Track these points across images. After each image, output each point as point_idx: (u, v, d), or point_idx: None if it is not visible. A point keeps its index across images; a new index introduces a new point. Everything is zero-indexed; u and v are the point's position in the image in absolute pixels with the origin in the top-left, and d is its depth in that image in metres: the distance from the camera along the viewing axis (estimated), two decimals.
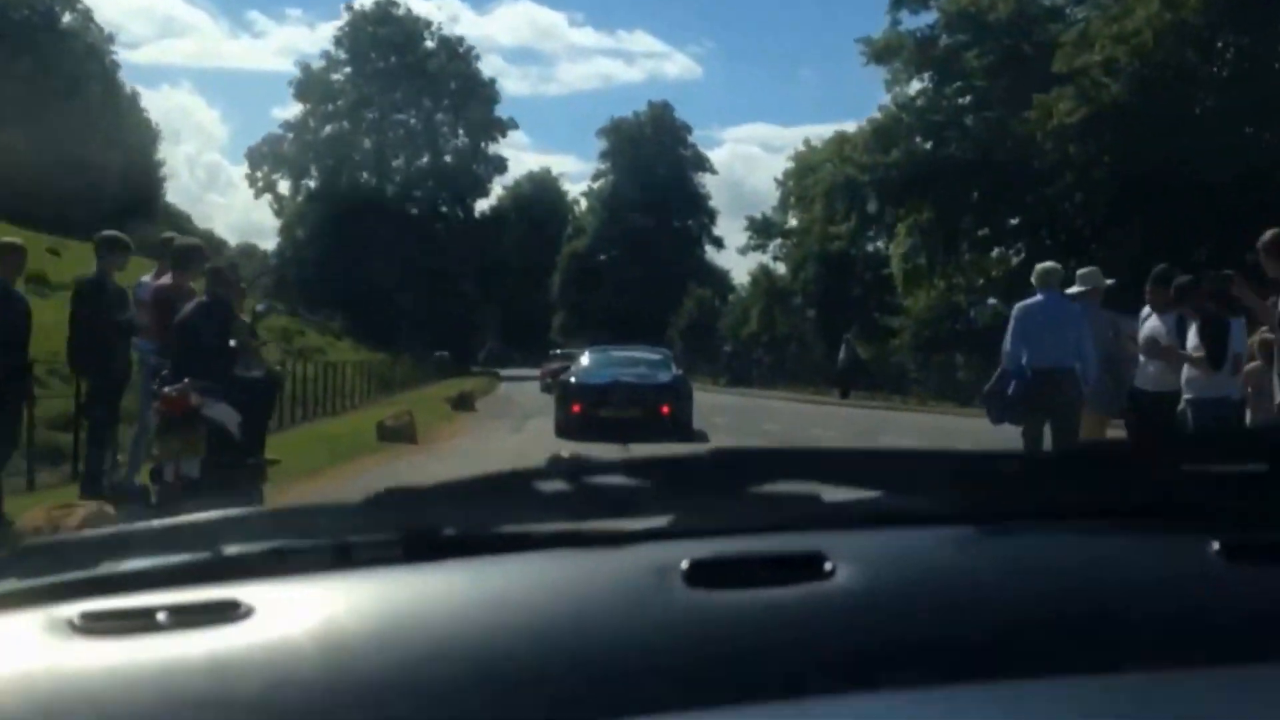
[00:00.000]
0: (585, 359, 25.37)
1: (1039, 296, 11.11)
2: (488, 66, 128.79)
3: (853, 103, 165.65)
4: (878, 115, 42.78)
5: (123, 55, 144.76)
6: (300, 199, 79.01)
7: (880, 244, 68.99)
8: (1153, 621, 1.00)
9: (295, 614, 0.95)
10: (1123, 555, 1.11)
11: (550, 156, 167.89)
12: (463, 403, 33.62)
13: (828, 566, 1.03)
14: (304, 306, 68.49)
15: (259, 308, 11.11)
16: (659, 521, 1.14)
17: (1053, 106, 35.74)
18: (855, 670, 0.90)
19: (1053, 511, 1.23)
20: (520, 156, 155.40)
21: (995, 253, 44.23)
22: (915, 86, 42.80)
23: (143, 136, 76.11)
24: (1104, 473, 1.34)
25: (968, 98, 41.73)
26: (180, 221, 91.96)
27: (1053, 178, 38.46)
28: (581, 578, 1.05)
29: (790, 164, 72.84)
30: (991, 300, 48.77)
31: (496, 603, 1.00)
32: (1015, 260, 43.70)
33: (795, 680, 0.87)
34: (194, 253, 9.97)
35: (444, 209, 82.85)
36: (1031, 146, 38.43)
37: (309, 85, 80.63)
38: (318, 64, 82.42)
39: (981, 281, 43.93)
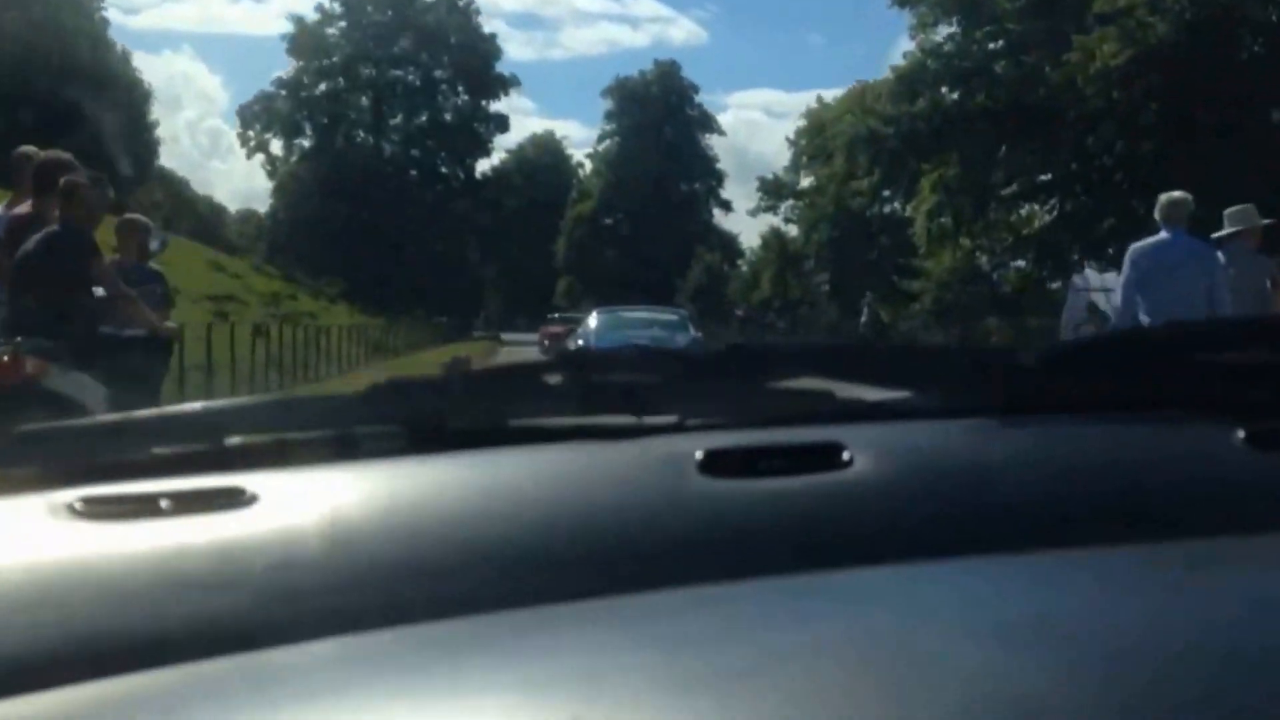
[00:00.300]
0: (593, 320, 22.65)
1: (1163, 235, 8.65)
2: (491, 30, 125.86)
3: (861, 68, 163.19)
4: (902, 63, 39.86)
5: (122, 20, 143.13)
6: (294, 159, 75.92)
7: (897, 204, 66.95)
8: (1174, 499, 1.00)
9: (301, 502, 0.94)
10: (1144, 443, 1.11)
11: (554, 122, 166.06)
12: (455, 368, 31.09)
13: (846, 456, 1.02)
14: (300, 270, 66.18)
15: (153, 244, 8.47)
16: (672, 415, 1.13)
17: (1095, 48, 33.05)
18: (872, 546, 0.91)
19: (1074, 404, 1.20)
20: (524, 122, 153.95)
21: (1025, 210, 41.50)
22: (943, 32, 39.85)
23: (134, 96, 74.08)
24: (1126, 365, 1.29)
25: (999, 42, 38.79)
26: (176, 186, 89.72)
27: (1092, 126, 35.82)
28: (593, 468, 1.03)
29: (802, 122, 70.38)
30: (1019, 262, 46.24)
31: (505, 492, 0.98)
32: (1048, 218, 41.12)
33: (811, 556, 0.88)
34: (58, 169, 7.29)
35: (444, 169, 79.64)
36: (1068, 94, 35.80)
37: (302, 41, 76.77)
38: (312, 18, 78.56)
39: (1011, 240, 41.25)
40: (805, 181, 70.61)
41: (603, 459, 1.03)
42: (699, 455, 1.00)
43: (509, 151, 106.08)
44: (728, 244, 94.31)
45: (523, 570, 0.86)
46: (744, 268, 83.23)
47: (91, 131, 61.30)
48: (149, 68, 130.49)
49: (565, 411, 1.15)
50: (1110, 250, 37.31)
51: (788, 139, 72.29)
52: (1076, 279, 33.88)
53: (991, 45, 38.86)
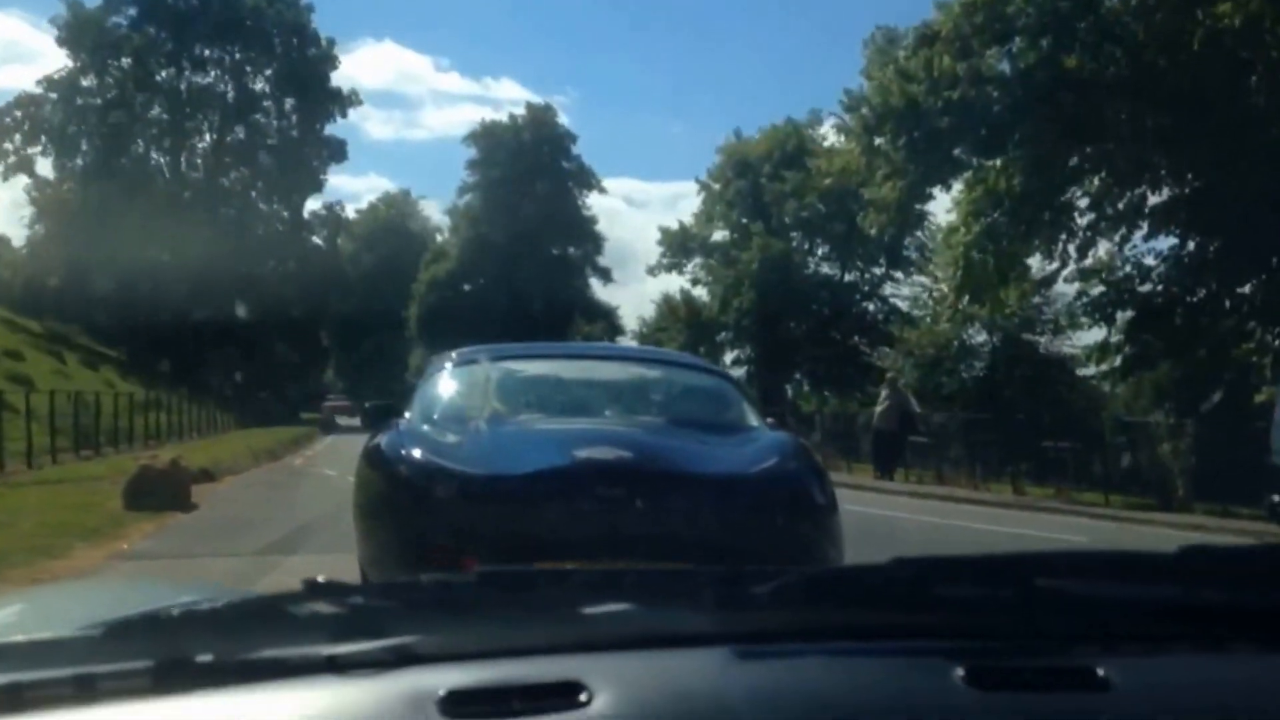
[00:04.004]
0: (449, 378, 8.07)
1: None
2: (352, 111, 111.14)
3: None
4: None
5: None
6: (66, 184, 58.19)
7: (835, 265, 53.67)
8: None
9: None
10: (872, 681, 1.14)
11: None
12: (144, 494, 15.42)
13: (583, 696, 1.06)
14: (69, 322, 50.13)
15: None
16: (417, 645, 1.13)
17: None
18: None
19: (807, 633, 1.23)
20: None
21: (1111, 246, 27.25)
22: None
23: None
24: (864, 593, 1.33)
25: None
26: None
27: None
28: (337, 707, 1.05)
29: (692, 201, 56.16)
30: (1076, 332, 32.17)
31: None
32: (1135, 256, 27.08)
33: None
34: None
35: (263, 205, 62.97)
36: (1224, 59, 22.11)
37: (79, 30, 58.51)
38: (92, 2, 59.72)
39: (1101, 289, 26.95)
40: (718, 235, 56.47)
41: (347, 697, 1.04)
42: (440, 694, 1.04)
43: (359, 212, 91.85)
44: (607, 317, 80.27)
45: None
46: (633, 342, 68.92)
47: None
48: None
49: (312, 642, 1.12)
50: None
51: (697, 180, 57.97)
52: None
53: None
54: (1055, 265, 27.98)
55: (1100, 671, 1.11)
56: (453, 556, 6.10)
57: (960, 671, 1.11)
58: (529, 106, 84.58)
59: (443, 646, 1.13)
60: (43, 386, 29.50)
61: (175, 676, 1.05)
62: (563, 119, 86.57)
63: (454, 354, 8.38)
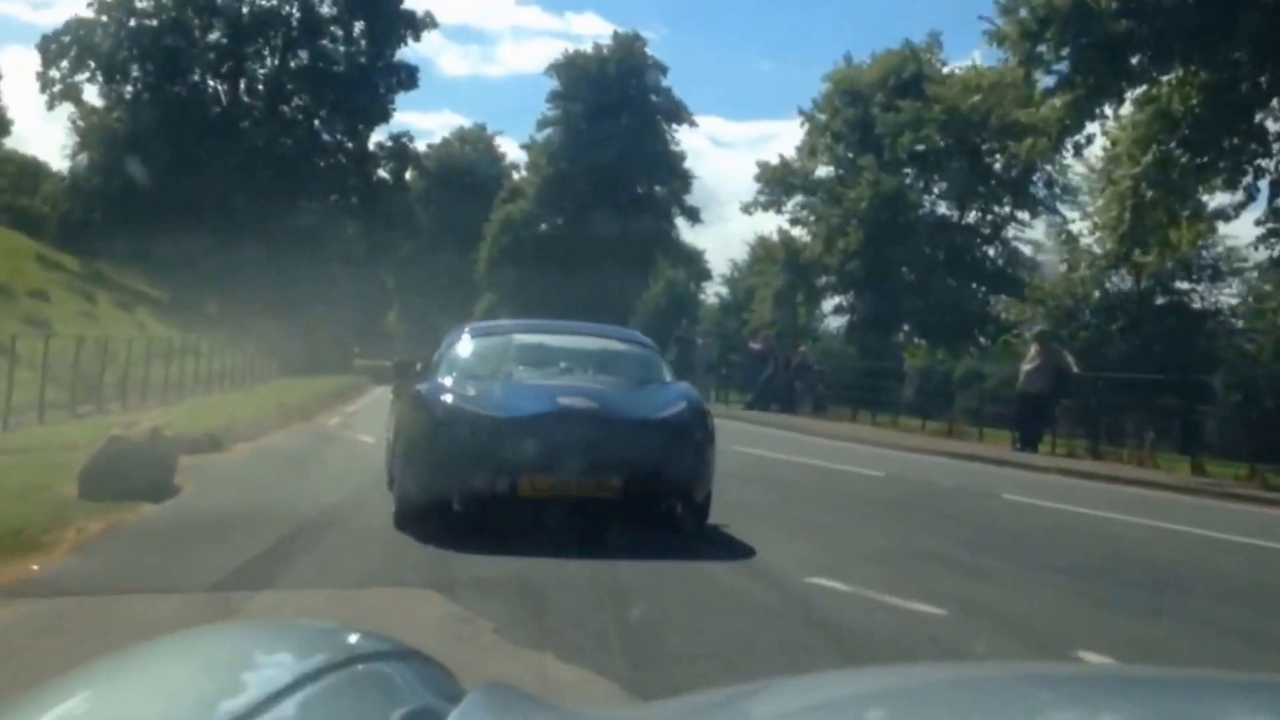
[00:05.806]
0: (464, 347, 11.80)
1: None
2: (426, 44, 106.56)
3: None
4: None
5: None
6: (115, 112, 53.97)
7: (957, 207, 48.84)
8: None
9: None
10: None
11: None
12: (108, 476, 11.54)
13: None
14: (108, 259, 46.55)
15: None
16: None
17: None
18: None
19: None
20: None
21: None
22: None
23: None
24: None
25: None
26: None
27: None
28: None
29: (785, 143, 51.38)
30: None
31: None
32: None
33: None
34: None
35: (326, 136, 58.92)
36: None
37: None
38: None
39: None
40: (821, 171, 51.95)
41: None
42: None
43: (431, 147, 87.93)
44: (692, 261, 75.76)
45: None
46: (720, 290, 64.89)
47: None
48: None
49: None
50: None
51: (800, 111, 53.36)
52: None
53: None
54: (1239, 198, 23.38)
55: None
56: (470, 473, 9.96)
57: None
58: (616, 35, 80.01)
59: None
60: (62, 330, 25.92)
61: None
62: (650, 50, 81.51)
63: (468, 327, 12.66)
